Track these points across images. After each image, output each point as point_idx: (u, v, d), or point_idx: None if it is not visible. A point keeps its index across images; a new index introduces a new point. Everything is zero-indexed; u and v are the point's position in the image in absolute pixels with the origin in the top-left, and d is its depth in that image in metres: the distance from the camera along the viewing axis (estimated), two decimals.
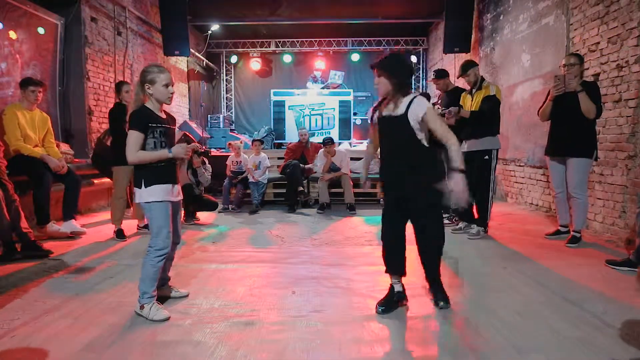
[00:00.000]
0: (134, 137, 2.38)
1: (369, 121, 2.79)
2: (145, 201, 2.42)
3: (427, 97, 4.63)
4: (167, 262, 2.64)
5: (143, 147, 2.41)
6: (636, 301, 2.57)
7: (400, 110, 2.43)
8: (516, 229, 4.67)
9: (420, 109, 2.38)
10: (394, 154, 2.54)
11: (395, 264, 2.57)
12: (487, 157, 4.14)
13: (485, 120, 4.09)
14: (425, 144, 2.46)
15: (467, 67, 4.24)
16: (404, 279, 2.60)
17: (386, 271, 2.60)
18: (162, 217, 2.43)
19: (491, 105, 4.08)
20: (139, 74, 2.49)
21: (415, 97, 2.43)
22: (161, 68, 2.47)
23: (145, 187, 2.41)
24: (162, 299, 2.58)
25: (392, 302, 2.51)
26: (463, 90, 4.56)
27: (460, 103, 4.37)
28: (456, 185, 2.31)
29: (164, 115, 2.53)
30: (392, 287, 2.57)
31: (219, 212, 5.81)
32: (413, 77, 2.64)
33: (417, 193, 2.44)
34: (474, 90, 4.26)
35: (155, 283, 2.43)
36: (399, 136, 2.48)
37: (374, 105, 2.67)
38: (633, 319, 2.33)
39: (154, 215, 2.43)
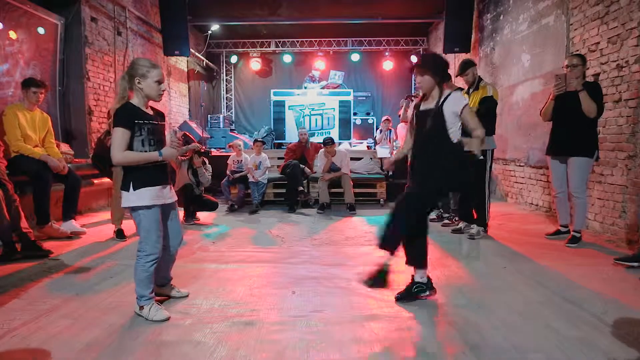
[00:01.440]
0: (119, 135, 2.24)
1: (400, 117, 2.95)
2: (133, 206, 2.30)
3: None
4: (169, 263, 2.62)
5: (131, 145, 2.29)
6: (636, 301, 2.57)
7: (437, 103, 2.58)
8: (516, 229, 4.67)
9: (459, 104, 2.54)
10: (423, 146, 2.65)
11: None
12: (482, 157, 4.15)
13: (483, 120, 4.10)
14: (453, 138, 2.55)
15: (466, 67, 4.26)
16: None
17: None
18: (150, 222, 2.33)
19: (489, 106, 4.12)
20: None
21: (451, 92, 2.60)
22: (153, 63, 2.37)
23: (134, 189, 2.29)
24: (162, 299, 2.59)
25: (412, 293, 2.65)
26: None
27: None
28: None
29: (150, 112, 2.41)
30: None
31: (226, 212, 5.82)
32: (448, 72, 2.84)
33: (422, 177, 2.63)
34: (471, 90, 4.29)
35: (151, 285, 2.38)
36: (431, 128, 2.59)
37: (415, 102, 2.81)
38: (633, 318, 2.33)
39: (141, 220, 2.33)
